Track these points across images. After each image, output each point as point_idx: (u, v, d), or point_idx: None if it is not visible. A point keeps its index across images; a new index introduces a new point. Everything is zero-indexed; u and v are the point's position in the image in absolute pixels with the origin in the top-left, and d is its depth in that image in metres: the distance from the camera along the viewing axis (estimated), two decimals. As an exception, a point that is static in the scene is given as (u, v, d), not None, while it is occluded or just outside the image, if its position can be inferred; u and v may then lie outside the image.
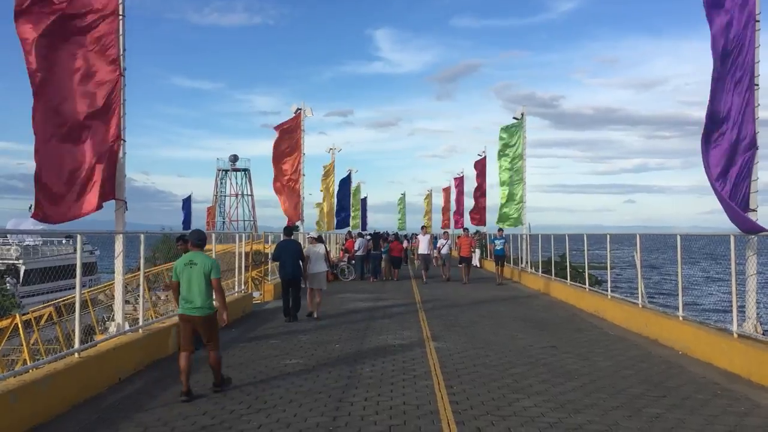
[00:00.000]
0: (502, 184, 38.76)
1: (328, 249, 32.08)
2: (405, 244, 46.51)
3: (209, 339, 12.27)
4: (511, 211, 38.32)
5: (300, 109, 35.72)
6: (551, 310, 24.26)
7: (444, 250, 36.94)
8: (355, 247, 39.37)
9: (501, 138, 38.84)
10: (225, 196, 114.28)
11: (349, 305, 25.63)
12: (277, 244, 21.88)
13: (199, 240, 12.10)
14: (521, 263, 37.39)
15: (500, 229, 37.18)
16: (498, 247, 35.66)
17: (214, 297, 12.24)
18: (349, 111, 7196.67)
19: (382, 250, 39.36)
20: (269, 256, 28.41)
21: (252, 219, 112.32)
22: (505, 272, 36.97)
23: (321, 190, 46.26)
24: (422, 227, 40.02)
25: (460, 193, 68.72)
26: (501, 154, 38.83)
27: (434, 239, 40.76)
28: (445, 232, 38.93)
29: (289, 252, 21.36)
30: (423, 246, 36.60)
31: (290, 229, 22.40)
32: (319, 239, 23.06)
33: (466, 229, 40.49)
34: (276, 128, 34.98)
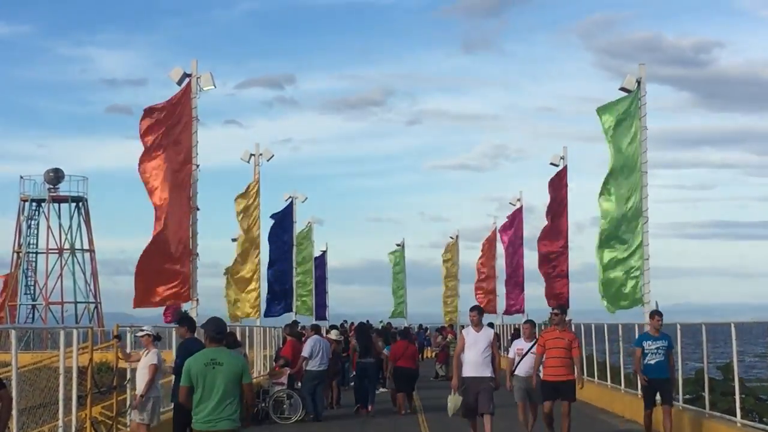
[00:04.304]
0: (605, 230, 21.65)
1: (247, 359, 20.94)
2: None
3: None
4: (620, 279, 21.42)
5: (189, 76, 20.38)
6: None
7: (524, 366, 17.74)
8: (305, 353, 21.72)
9: (605, 129, 21.24)
10: (36, 252, 65.51)
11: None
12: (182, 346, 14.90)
13: (218, 332, 10.70)
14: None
15: (656, 315, 17.16)
16: (653, 360, 16.76)
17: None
18: (288, 78, 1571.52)
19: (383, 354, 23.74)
20: (131, 375, 17.64)
21: (93, 299, 66.24)
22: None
23: (237, 239, 28.07)
24: (473, 310, 16.92)
25: (515, 243, 39.56)
26: (612, 177, 21.48)
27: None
28: (528, 324, 19.22)
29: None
30: (473, 357, 16.24)
31: (190, 321, 15.55)
32: (231, 340, 15.64)
33: (557, 312, 17.27)
34: (145, 117, 19.30)
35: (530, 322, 19.14)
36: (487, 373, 15.96)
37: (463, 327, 55.59)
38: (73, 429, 16.89)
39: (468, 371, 16.06)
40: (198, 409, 10.49)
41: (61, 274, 65.85)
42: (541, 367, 16.73)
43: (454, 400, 16.26)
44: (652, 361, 16.59)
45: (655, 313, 17.07)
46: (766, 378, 31.82)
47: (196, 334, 15.35)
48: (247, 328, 28.54)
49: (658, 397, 16.72)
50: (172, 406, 16.36)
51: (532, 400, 17.39)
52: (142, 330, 16.09)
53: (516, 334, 33.38)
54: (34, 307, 66.01)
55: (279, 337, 29.94)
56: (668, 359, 16.65)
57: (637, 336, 18.28)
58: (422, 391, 26.88)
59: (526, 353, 17.56)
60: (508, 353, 18.85)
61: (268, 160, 30.60)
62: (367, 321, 33.36)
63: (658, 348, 16.60)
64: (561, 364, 16.24)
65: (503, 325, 44.45)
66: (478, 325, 16.31)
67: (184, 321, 15.63)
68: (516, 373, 17.53)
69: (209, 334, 10.75)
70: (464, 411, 16.06)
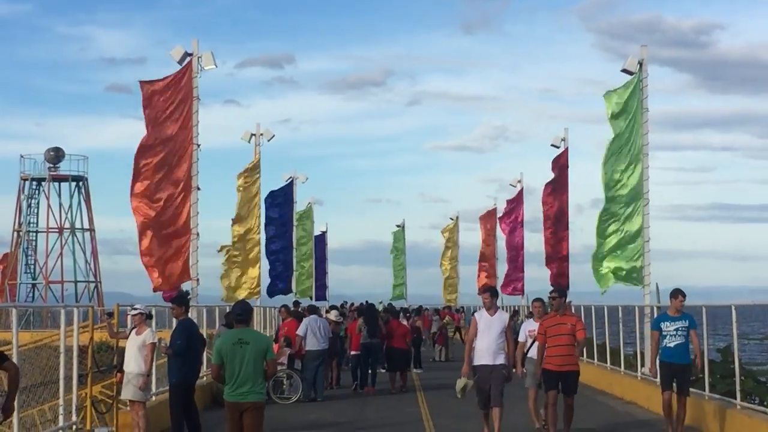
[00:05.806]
0: (608, 213, 21.80)
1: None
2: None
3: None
4: (620, 259, 21.50)
5: (190, 55, 20.44)
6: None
7: (536, 349, 15.87)
8: (300, 332, 21.81)
9: (610, 114, 21.37)
10: (36, 231, 65.38)
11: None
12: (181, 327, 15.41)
13: (239, 314, 11.96)
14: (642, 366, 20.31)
15: (679, 294, 15.30)
16: (672, 343, 15.17)
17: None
18: (287, 58, 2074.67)
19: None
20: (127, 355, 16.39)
21: (93, 278, 65.92)
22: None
23: (234, 220, 27.76)
24: (485, 292, 15.33)
25: (515, 224, 39.61)
26: (609, 154, 21.63)
27: (515, 322, 21.32)
28: (538, 302, 16.91)
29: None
30: (486, 343, 14.68)
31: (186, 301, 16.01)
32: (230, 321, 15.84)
33: (555, 296, 15.35)
34: (144, 89, 19.48)
35: (540, 301, 16.88)
36: (501, 360, 14.61)
37: (461, 308, 54.73)
38: (74, 408, 16.70)
39: (481, 359, 14.63)
40: (228, 383, 11.69)
41: (61, 253, 65.44)
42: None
43: (463, 382, 14.87)
44: (671, 344, 15.08)
45: (678, 293, 15.23)
46: (762, 361, 31.78)
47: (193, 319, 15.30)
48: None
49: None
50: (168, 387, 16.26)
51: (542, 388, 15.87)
52: (135, 308, 15.96)
53: (514, 315, 33.27)
54: (34, 286, 65.57)
55: (278, 317, 29.85)
56: (689, 341, 15.08)
57: (652, 318, 17.19)
58: (422, 371, 27.05)
59: (531, 341, 16.26)
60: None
61: (268, 140, 30.31)
62: (367, 302, 33.30)
63: (677, 329, 15.06)
64: (564, 352, 14.68)
65: (503, 307, 44.42)
66: (491, 308, 14.71)
67: (181, 301, 15.61)
68: (528, 356, 16.24)
69: (234, 316, 12.09)
70: (480, 401, 14.89)
